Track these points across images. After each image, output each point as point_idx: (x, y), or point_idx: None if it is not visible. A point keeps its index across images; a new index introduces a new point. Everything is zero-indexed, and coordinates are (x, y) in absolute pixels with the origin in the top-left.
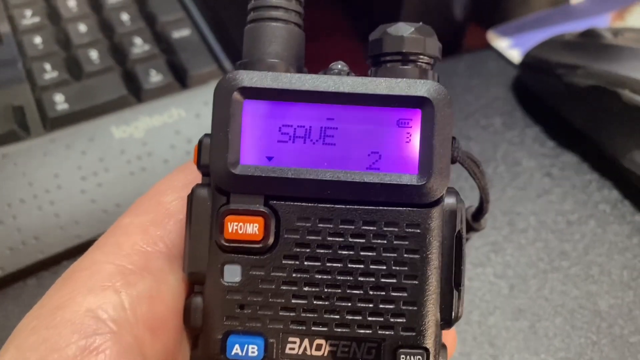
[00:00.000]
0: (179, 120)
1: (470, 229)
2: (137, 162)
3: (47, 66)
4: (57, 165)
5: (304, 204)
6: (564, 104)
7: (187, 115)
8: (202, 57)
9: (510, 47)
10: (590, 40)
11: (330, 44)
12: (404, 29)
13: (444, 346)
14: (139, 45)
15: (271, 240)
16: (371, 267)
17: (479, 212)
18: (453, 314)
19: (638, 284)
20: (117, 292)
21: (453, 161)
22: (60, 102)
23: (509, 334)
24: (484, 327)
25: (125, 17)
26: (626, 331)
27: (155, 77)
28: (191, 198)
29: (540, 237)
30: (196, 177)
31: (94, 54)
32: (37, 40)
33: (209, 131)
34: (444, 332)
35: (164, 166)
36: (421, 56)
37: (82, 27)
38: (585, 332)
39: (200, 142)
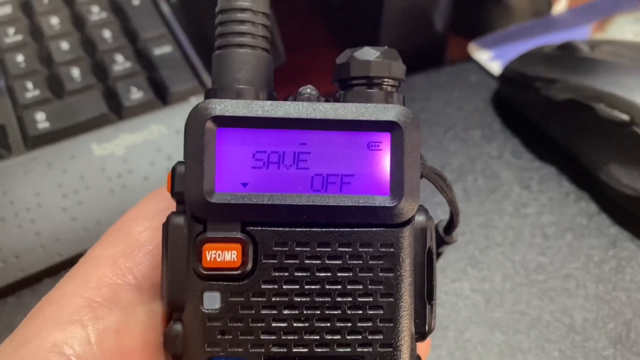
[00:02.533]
0: (159, 137)
1: (442, 242)
2: (118, 180)
3: (29, 84)
4: (38, 183)
5: (280, 228)
6: (542, 117)
7: (167, 132)
8: (183, 74)
9: (491, 59)
10: (567, 54)
11: (313, 54)
12: (369, 54)
13: (418, 358)
14: (121, 63)
15: (249, 266)
16: (348, 287)
17: (450, 226)
18: (427, 327)
19: (613, 297)
20: (84, 326)
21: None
22: (41, 120)
23: (484, 349)
24: (460, 342)
25: (107, 34)
26: (600, 345)
27: (136, 94)
28: (167, 227)
29: (517, 251)
30: (167, 205)
31: (75, 72)
32: (19, 58)
33: None
34: (417, 344)
35: (144, 183)
36: (387, 79)
37: (64, 45)
38: (559, 345)
39: (173, 170)
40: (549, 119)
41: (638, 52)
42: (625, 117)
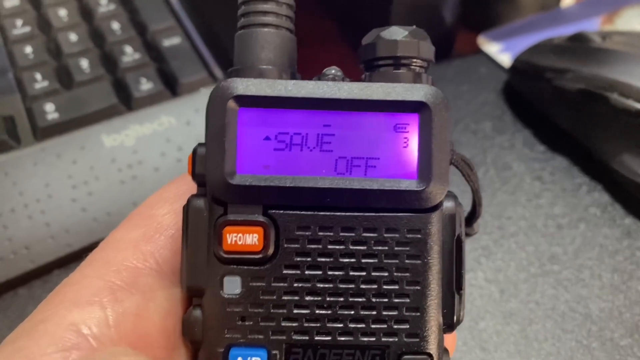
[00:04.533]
0: (169, 128)
1: None
2: (128, 171)
3: (38, 76)
4: (47, 174)
5: (303, 212)
6: (554, 108)
7: (177, 123)
8: (193, 65)
9: (501, 51)
10: (578, 44)
11: (320, 50)
12: (397, 33)
13: (446, 350)
14: (130, 54)
15: (271, 250)
16: (373, 274)
17: (472, 216)
18: (455, 318)
19: (628, 287)
20: (103, 308)
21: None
22: (50, 111)
23: (499, 339)
24: (475, 332)
25: (115, 25)
26: (617, 334)
27: (145, 86)
28: (187, 209)
29: (531, 241)
30: (189, 188)
31: (84, 63)
32: (28, 49)
33: (199, 138)
34: (444, 335)
35: (154, 174)
36: (415, 60)
37: (73, 37)
38: (575, 335)
39: (194, 152)
40: (561, 110)
41: None
42: (639, 106)
